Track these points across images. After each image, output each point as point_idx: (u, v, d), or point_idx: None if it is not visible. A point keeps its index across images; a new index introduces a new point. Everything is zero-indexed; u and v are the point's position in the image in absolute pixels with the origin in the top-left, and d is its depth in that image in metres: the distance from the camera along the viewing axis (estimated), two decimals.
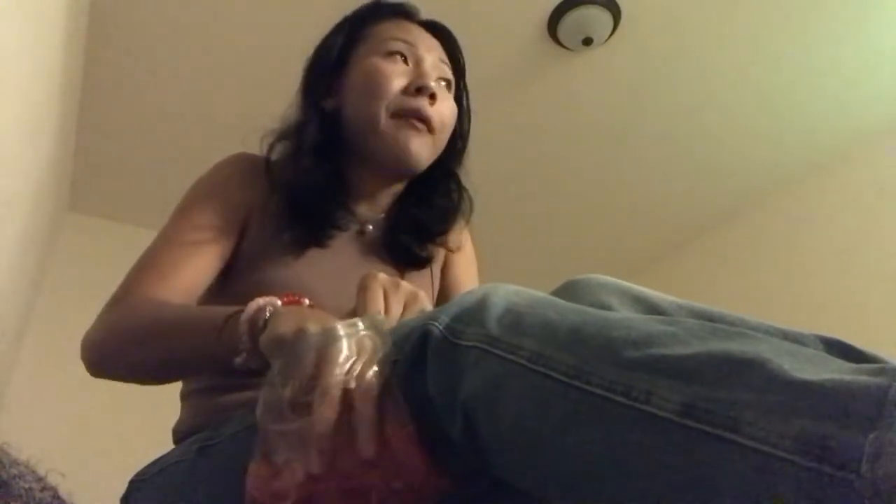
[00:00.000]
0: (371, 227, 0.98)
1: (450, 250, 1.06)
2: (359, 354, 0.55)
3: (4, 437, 0.58)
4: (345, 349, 0.54)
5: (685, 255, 2.76)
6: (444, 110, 0.94)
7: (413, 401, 0.54)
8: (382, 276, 0.74)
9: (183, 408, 0.91)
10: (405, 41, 0.95)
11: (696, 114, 2.15)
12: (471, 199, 1.03)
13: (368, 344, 0.56)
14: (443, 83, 0.97)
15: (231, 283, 0.90)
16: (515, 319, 0.51)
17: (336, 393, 0.52)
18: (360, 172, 0.96)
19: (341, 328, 0.56)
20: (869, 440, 0.32)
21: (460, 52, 1.04)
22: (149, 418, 1.45)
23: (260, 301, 0.67)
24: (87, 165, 2.31)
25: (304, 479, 0.51)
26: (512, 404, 0.47)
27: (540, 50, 1.94)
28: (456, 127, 1.00)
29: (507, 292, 0.56)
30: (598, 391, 0.43)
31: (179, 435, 0.87)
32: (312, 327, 0.58)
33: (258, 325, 0.65)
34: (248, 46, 1.92)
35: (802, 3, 1.80)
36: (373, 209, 0.99)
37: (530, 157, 2.34)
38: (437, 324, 0.54)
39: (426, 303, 0.75)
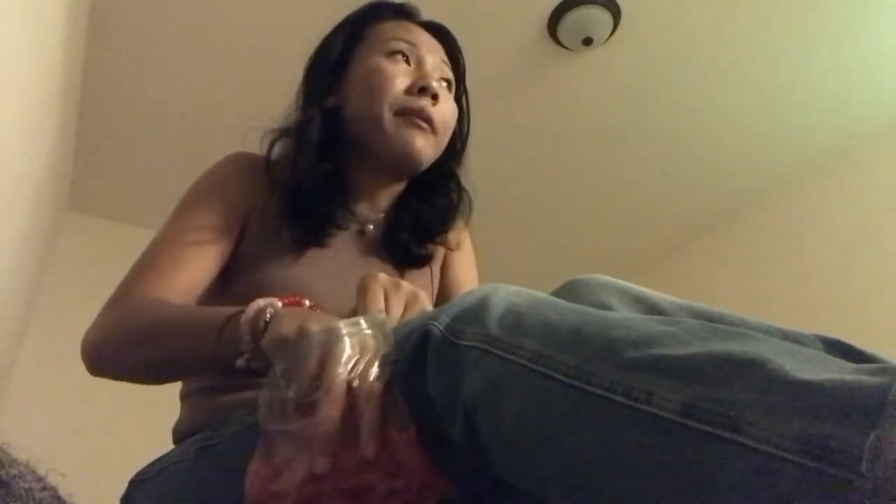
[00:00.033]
0: (371, 226, 0.98)
1: (449, 249, 1.06)
2: (361, 353, 0.55)
3: (4, 437, 0.58)
4: (347, 348, 0.55)
5: (685, 255, 2.76)
6: (445, 110, 0.94)
7: (413, 401, 0.54)
8: (383, 277, 0.74)
9: (183, 408, 0.91)
10: (407, 41, 0.96)
11: (696, 114, 2.15)
12: (470, 200, 1.03)
13: (371, 343, 0.56)
14: (444, 84, 0.97)
15: (231, 282, 0.90)
16: (516, 320, 0.51)
17: (340, 392, 0.53)
18: (359, 172, 0.96)
19: (344, 327, 0.56)
20: (869, 440, 0.32)
21: (461, 54, 1.04)
22: (149, 418, 1.45)
23: (260, 302, 0.67)
24: (87, 165, 2.31)
25: (305, 478, 0.51)
26: (512, 404, 0.47)
27: (540, 50, 1.94)
28: (455, 128, 1.00)
29: (508, 292, 0.56)
30: (599, 391, 0.43)
31: (179, 435, 0.87)
32: (315, 327, 0.58)
33: (259, 327, 0.65)
34: (248, 46, 1.92)
35: (802, 3, 1.80)
36: (373, 209, 0.99)
37: (530, 157, 2.34)
38: (437, 324, 0.54)
39: (426, 303, 0.75)
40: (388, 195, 0.99)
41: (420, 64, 0.95)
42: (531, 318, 0.51)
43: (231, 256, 0.91)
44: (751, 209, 2.53)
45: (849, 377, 0.36)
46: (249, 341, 0.65)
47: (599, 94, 2.09)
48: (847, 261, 2.17)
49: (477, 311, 0.53)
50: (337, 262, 0.92)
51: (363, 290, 0.72)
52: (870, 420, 0.33)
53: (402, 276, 0.97)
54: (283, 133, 0.95)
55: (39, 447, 0.59)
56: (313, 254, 0.91)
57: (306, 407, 0.53)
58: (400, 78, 0.92)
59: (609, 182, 2.45)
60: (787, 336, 0.58)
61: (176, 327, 0.75)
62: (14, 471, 0.55)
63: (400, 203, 1.01)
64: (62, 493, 0.60)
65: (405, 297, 0.73)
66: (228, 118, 2.05)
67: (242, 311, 0.67)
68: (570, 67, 2.01)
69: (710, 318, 0.62)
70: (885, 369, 0.36)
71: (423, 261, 1.01)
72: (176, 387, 0.91)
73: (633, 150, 2.30)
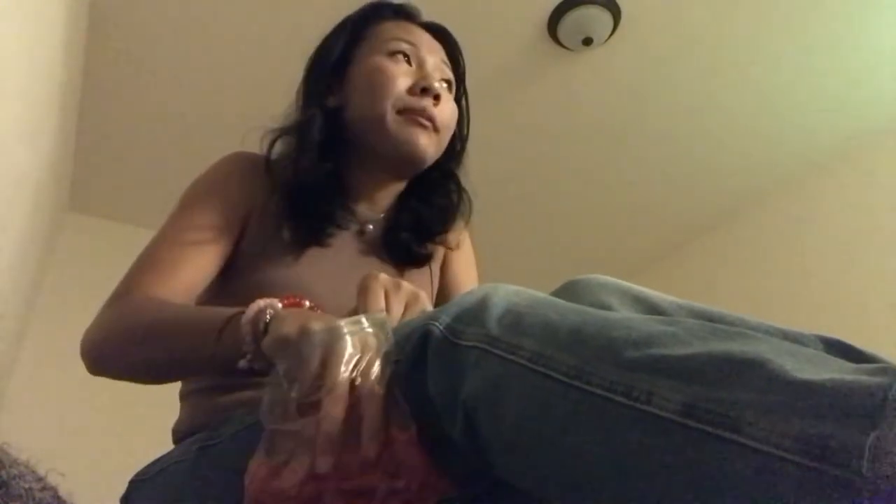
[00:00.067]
0: (370, 227, 0.98)
1: (449, 248, 1.06)
2: (363, 352, 0.55)
3: (4, 437, 0.58)
4: (349, 346, 0.55)
5: (685, 255, 2.76)
6: (446, 111, 0.95)
7: (413, 401, 0.54)
8: (383, 277, 0.74)
9: (183, 408, 0.91)
10: (408, 42, 0.96)
11: (696, 114, 2.15)
12: (470, 200, 1.03)
13: (372, 341, 0.56)
14: (444, 85, 0.97)
15: (230, 282, 0.90)
16: (516, 320, 0.51)
17: (342, 391, 0.53)
18: (360, 172, 0.96)
19: (345, 326, 0.56)
20: (870, 440, 0.32)
21: (461, 55, 1.05)
22: (149, 418, 1.45)
23: (260, 303, 0.67)
24: (87, 165, 2.31)
25: (306, 477, 0.51)
26: (512, 404, 0.47)
27: (540, 50, 1.94)
28: (455, 129, 1.00)
29: (508, 292, 0.56)
30: (599, 391, 0.43)
31: (179, 435, 0.87)
32: (316, 326, 0.58)
33: (260, 328, 0.65)
34: (248, 46, 1.92)
35: (802, 3, 1.80)
36: (373, 209, 0.99)
37: (530, 157, 2.34)
38: (437, 324, 0.54)
39: (427, 303, 0.75)
40: (388, 195, 0.99)
41: (421, 64, 0.95)
42: (531, 318, 0.51)
43: (231, 256, 0.91)
44: (751, 209, 2.53)
45: (849, 377, 0.36)
46: (251, 342, 0.65)
47: (599, 94, 2.09)
48: (847, 261, 2.17)
49: (477, 311, 0.53)
50: (337, 261, 0.92)
51: (364, 289, 0.72)
52: (870, 420, 0.33)
53: (402, 275, 0.97)
54: (283, 133, 0.95)
55: (39, 447, 0.59)
56: (313, 253, 0.91)
57: (308, 407, 0.53)
58: (401, 78, 0.92)
59: (609, 182, 2.45)
60: (787, 336, 0.58)
61: (176, 327, 0.75)
62: (14, 471, 0.55)
63: (400, 203, 1.01)
64: (62, 493, 0.60)
65: (406, 297, 0.73)
66: (228, 118, 2.05)
67: (243, 312, 0.67)
68: (570, 67, 2.01)
69: (710, 318, 0.62)
70: (885, 369, 0.36)
71: (423, 260, 1.01)
72: (176, 387, 0.91)
73: (633, 150, 2.30)
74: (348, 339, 0.55)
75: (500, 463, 0.50)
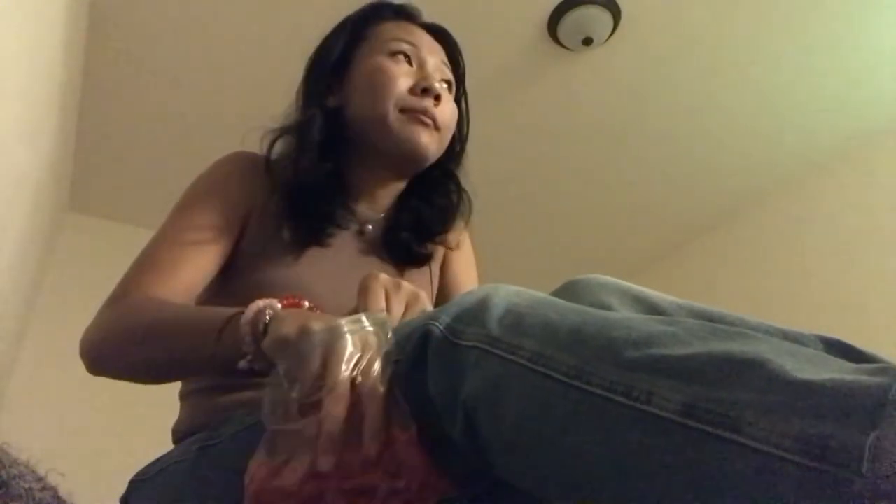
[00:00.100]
0: (370, 227, 0.98)
1: (449, 248, 1.06)
2: (363, 350, 0.55)
3: (4, 437, 0.58)
4: (349, 345, 0.55)
5: (685, 255, 2.76)
6: (447, 111, 0.95)
7: (414, 401, 0.54)
8: (384, 277, 0.74)
9: (182, 408, 0.91)
10: (409, 42, 0.96)
11: (696, 114, 2.15)
12: (470, 201, 1.04)
13: (372, 340, 0.56)
14: (445, 85, 0.97)
15: (230, 282, 0.90)
16: (516, 320, 0.51)
17: (343, 390, 0.53)
18: (360, 172, 0.96)
19: (345, 325, 0.56)
20: (870, 440, 0.32)
21: (461, 56, 1.05)
22: (149, 418, 1.45)
23: (259, 303, 0.67)
24: (87, 165, 2.31)
25: (307, 476, 0.51)
26: (512, 404, 0.47)
27: (540, 50, 1.94)
28: (455, 130, 1.00)
29: (508, 293, 0.56)
30: (599, 391, 0.43)
31: (179, 435, 0.87)
32: (316, 326, 0.58)
33: (259, 329, 0.65)
34: (248, 46, 1.92)
35: (802, 3, 1.80)
36: (373, 209, 0.99)
37: (530, 157, 2.34)
38: (437, 324, 0.54)
39: (427, 303, 0.75)
40: (388, 194, 0.99)
41: (422, 65, 0.95)
42: (531, 319, 0.51)
43: (231, 256, 0.91)
44: (751, 209, 2.53)
45: (849, 377, 0.36)
46: (250, 343, 0.65)
47: (599, 94, 2.09)
48: (847, 261, 2.17)
49: (477, 312, 0.53)
50: (337, 261, 0.92)
51: (364, 289, 0.72)
52: (870, 420, 0.33)
53: (402, 275, 0.97)
54: (283, 132, 0.95)
55: (39, 447, 0.59)
56: (313, 253, 0.91)
57: (310, 407, 0.53)
58: (403, 78, 0.93)
59: (609, 182, 2.45)
60: (787, 336, 0.58)
61: (176, 327, 0.75)
62: (14, 471, 0.55)
63: (400, 203, 1.01)
64: (62, 493, 0.60)
65: (406, 298, 0.73)
66: (228, 118, 2.05)
67: (242, 313, 0.67)
68: (570, 67, 2.01)
69: (710, 318, 0.62)
70: (885, 369, 0.36)
71: (423, 260, 1.01)
72: (176, 387, 0.91)
73: (633, 150, 2.30)
74: (348, 338, 0.55)
75: (500, 463, 0.50)
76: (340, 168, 0.95)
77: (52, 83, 1.59)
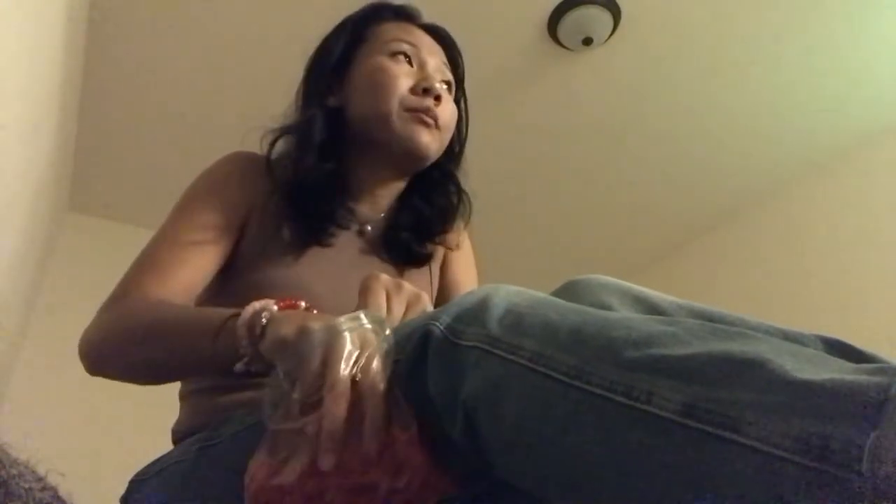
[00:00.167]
0: (370, 227, 0.98)
1: (449, 248, 1.06)
2: (362, 348, 0.55)
3: (4, 437, 0.58)
4: (348, 343, 0.55)
5: (685, 255, 2.76)
6: (447, 111, 0.95)
7: (414, 401, 0.54)
8: (385, 278, 0.74)
9: (182, 408, 0.91)
10: (409, 43, 0.96)
11: (696, 114, 2.15)
12: (470, 202, 1.04)
13: (371, 337, 0.56)
14: (445, 86, 0.98)
15: (230, 282, 0.90)
16: (516, 320, 0.51)
17: (344, 388, 0.53)
18: (360, 171, 0.97)
19: (343, 323, 0.56)
20: (869, 440, 0.32)
21: (460, 57, 1.05)
22: (149, 418, 1.44)
23: (256, 305, 0.67)
24: (87, 165, 2.31)
25: (306, 475, 0.51)
26: (512, 404, 0.47)
27: (540, 50, 1.94)
28: (454, 130, 1.00)
29: (508, 293, 0.56)
30: (599, 391, 0.43)
31: (179, 435, 0.87)
32: (314, 326, 0.58)
33: (256, 331, 0.65)
34: (248, 46, 1.92)
35: (802, 3, 1.80)
36: (373, 209, 0.99)
37: (530, 157, 2.34)
38: (438, 324, 0.54)
39: (428, 304, 0.75)
40: (389, 194, 0.99)
41: (422, 65, 0.95)
42: (531, 319, 0.51)
43: (231, 256, 0.91)
44: (751, 209, 2.53)
45: (849, 377, 0.36)
46: (247, 345, 0.66)
47: (599, 94, 2.09)
48: (847, 261, 2.17)
49: (477, 312, 0.53)
50: (337, 261, 0.92)
51: (365, 290, 0.72)
52: (870, 420, 0.33)
53: (402, 275, 0.97)
54: (283, 132, 0.95)
55: (39, 447, 0.59)
56: (313, 253, 0.91)
57: (310, 406, 0.53)
58: (404, 78, 0.93)
59: (609, 182, 2.45)
60: (787, 336, 0.58)
61: (174, 329, 0.76)
62: (14, 471, 0.55)
63: (400, 203, 1.01)
64: (62, 493, 0.60)
65: (407, 298, 0.73)
66: (228, 118, 2.05)
67: (238, 315, 0.67)
68: (570, 67, 2.01)
69: (710, 318, 0.63)
70: (884, 369, 0.36)
71: (423, 260, 1.01)
72: (176, 387, 0.91)
73: (633, 150, 2.30)
74: (347, 336, 0.55)
75: (500, 463, 0.50)
76: (341, 168, 0.95)
77: (52, 83, 1.59)
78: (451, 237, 1.04)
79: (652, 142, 2.27)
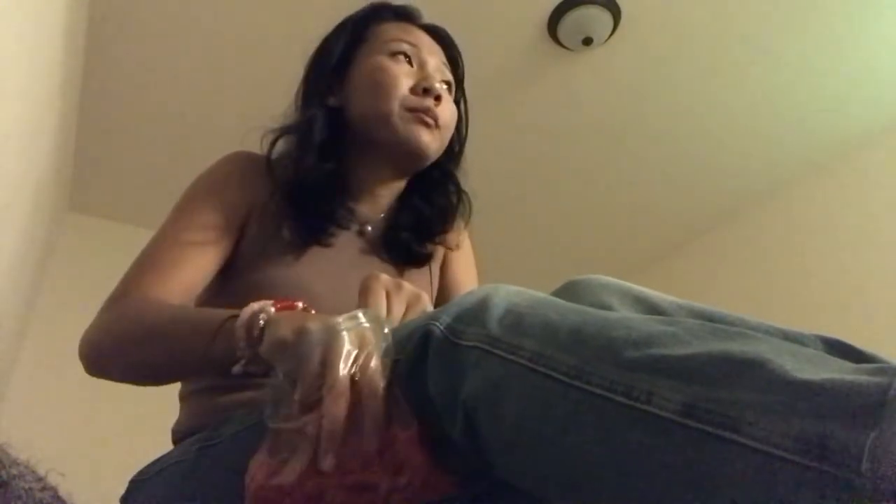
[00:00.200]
0: (370, 227, 0.98)
1: (449, 248, 1.06)
2: (361, 346, 0.55)
3: (4, 437, 0.58)
4: (347, 342, 0.55)
5: (685, 255, 2.76)
6: (447, 111, 0.95)
7: (414, 400, 0.54)
8: (385, 278, 0.74)
9: (182, 408, 0.91)
10: (409, 43, 0.96)
11: (696, 114, 2.15)
12: (469, 201, 1.04)
13: (369, 335, 0.56)
14: (444, 86, 0.98)
15: (230, 282, 0.90)
16: (516, 320, 0.51)
17: (343, 388, 0.53)
18: (360, 171, 0.97)
19: (342, 322, 0.56)
20: (870, 440, 0.32)
21: (460, 57, 1.05)
22: (149, 418, 1.45)
23: (254, 307, 0.67)
24: (87, 165, 2.31)
25: (307, 473, 0.51)
26: (512, 404, 0.47)
27: (540, 50, 1.94)
28: (454, 130, 1.00)
29: (508, 293, 0.56)
30: (599, 391, 0.43)
31: (179, 435, 0.87)
32: (312, 326, 0.58)
33: (254, 333, 0.65)
34: (248, 46, 1.92)
35: (802, 3, 1.80)
36: (373, 209, 0.99)
37: (530, 157, 2.34)
38: (438, 324, 0.54)
39: (428, 304, 0.75)
40: (389, 194, 1.00)
41: (422, 65, 0.96)
42: (531, 319, 0.51)
43: (231, 256, 0.91)
44: (751, 209, 2.53)
45: (849, 377, 0.36)
46: (245, 347, 0.66)
47: (599, 94, 2.09)
48: (847, 261, 2.17)
49: (477, 312, 0.53)
50: (337, 261, 0.92)
51: (365, 290, 0.72)
52: (869, 420, 0.33)
53: (401, 275, 0.97)
54: (284, 132, 0.96)
55: (39, 447, 0.59)
56: (313, 253, 0.91)
57: (311, 406, 0.53)
58: (404, 78, 0.93)
59: (609, 182, 2.45)
60: (787, 336, 0.58)
61: (172, 330, 0.76)
62: (14, 471, 0.55)
63: (400, 203, 1.01)
64: (62, 493, 0.60)
65: (407, 298, 0.73)
66: (228, 118, 2.05)
67: (236, 316, 0.67)
68: (570, 67, 2.01)
69: (710, 318, 0.63)
70: (884, 369, 0.36)
71: (423, 260, 1.01)
72: (176, 387, 0.91)
73: (633, 150, 2.30)
74: (345, 335, 0.55)
75: (500, 463, 0.50)
76: (341, 168, 0.95)
77: (52, 83, 1.59)
78: (451, 237, 1.04)
79: (652, 142, 2.27)
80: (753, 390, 0.37)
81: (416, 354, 0.55)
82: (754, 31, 1.88)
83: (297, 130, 0.95)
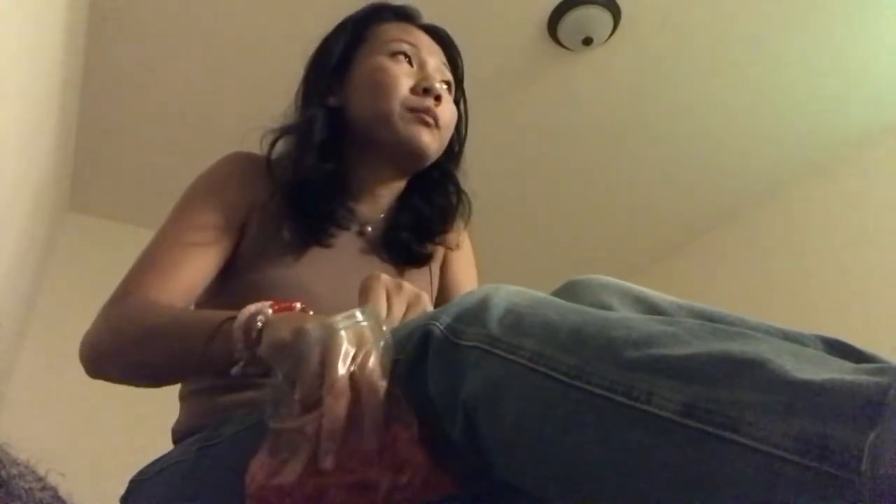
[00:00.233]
0: (370, 228, 0.98)
1: (449, 248, 1.06)
2: (359, 345, 0.55)
3: (4, 437, 0.58)
4: (345, 341, 0.55)
5: (685, 255, 2.76)
6: (447, 111, 0.95)
7: (414, 400, 0.54)
8: (385, 278, 0.74)
9: (182, 408, 0.91)
10: (409, 43, 0.96)
11: (696, 114, 2.15)
12: (469, 202, 1.04)
13: (367, 334, 0.56)
14: (444, 86, 0.98)
15: (230, 282, 0.90)
16: (516, 320, 0.51)
17: (343, 387, 0.53)
18: (361, 171, 0.97)
19: (339, 321, 0.56)
20: (869, 440, 0.32)
21: (460, 57, 1.05)
22: (149, 418, 1.45)
23: (252, 308, 0.67)
24: (87, 165, 2.31)
25: (308, 473, 0.51)
26: (512, 404, 0.48)
27: (540, 50, 1.94)
28: (454, 130, 1.01)
29: (508, 293, 0.56)
30: (599, 391, 0.43)
31: (179, 435, 0.87)
32: (311, 326, 0.58)
33: (252, 335, 0.65)
34: (248, 46, 1.92)
35: (802, 3, 1.80)
36: (373, 209, 0.99)
37: (530, 157, 2.34)
38: (438, 324, 0.54)
39: (428, 304, 0.75)
40: (389, 194, 1.00)
41: (422, 66, 0.96)
42: (531, 319, 0.51)
43: (231, 256, 0.91)
44: (751, 209, 2.53)
45: (849, 377, 0.36)
46: (243, 349, 0.66)
47: (599, 94, 2.09)
48: (847, 261, 2.17)
49: (477, 312, 0.53)
50: (337, 261, 0.92)
51: (365, 290, 0.72)
52: (870, 420, 0.33)
53: (402, 276, 0.97)
54: (284, 132, 0.96)
55: (39, 447, 0.59)
56: (313, 253, 0.91)
57: (311, 406, 0.53)
58: (404, 78, 0.93)
59: (609, 182, 2.45)
60: (787, 336, 0.59)
61: (172, 331, 0.76)
62: (14, 471, 0.55)
63: (400, 203, 1.01)
64: (62, 493, 0.60)
65: (407, 298, 0.73)
66: (228, 118, 2.05)
67: (234, 318, 0.67)
68: (570, 67, 2.01)
69: (710, 318, 0.63)
70: (884, 369, 0.36)
71: (423, 260, 1.01)
72: (176, 387, 0.91)
73: (633, 150, 2.30)
74: (343, 334, 0.55)
75: (500, 463, 0.50)
76: (341, 168, 0.95)
77: (52, 83, 1.59)
78: (451, 237, 1.04)
79: (652, 142, 2.26)
80: (753, 390, 0.37)
81: (416, 354, 0.55)
82: (754, 31, 1.88)
83: (297, 130, 0.95)
